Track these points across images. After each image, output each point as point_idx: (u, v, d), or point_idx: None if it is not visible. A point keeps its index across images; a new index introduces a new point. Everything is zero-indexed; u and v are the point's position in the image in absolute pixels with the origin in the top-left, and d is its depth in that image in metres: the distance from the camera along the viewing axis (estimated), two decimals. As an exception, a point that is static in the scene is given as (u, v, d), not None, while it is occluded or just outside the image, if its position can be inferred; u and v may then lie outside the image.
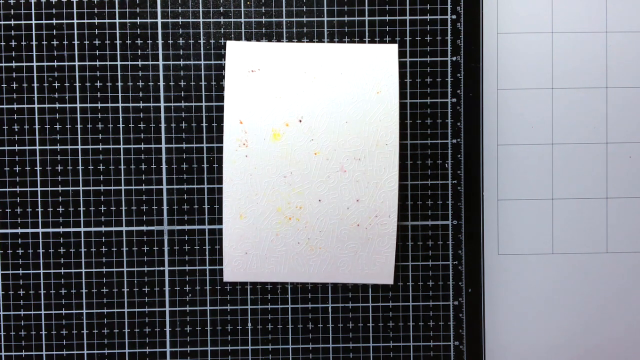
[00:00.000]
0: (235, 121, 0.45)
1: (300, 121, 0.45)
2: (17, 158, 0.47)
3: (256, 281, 0.47)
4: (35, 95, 0.47)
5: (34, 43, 0.46)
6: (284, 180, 0.45)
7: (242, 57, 0.45)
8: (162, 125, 0.47)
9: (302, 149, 0.45)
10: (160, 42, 0.47)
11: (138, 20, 0.46)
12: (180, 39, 0.47)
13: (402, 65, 0.47)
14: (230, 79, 0.45)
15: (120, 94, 0.47)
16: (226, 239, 0.46)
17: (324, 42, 0.47)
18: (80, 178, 0.47)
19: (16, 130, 0.47)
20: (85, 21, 0.46)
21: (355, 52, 0.46)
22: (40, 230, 0.47)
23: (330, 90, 0.45)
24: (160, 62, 0.47)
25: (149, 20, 0.46)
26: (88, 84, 0.47)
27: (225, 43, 0.46)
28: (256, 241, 0.46)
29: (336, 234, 0.46)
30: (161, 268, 0.47)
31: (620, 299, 0.49)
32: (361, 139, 0.45)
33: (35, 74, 0.46)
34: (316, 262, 0.46)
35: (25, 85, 0.46)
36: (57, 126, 0.47)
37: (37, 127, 0.47)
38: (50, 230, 0.47)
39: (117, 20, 0.46)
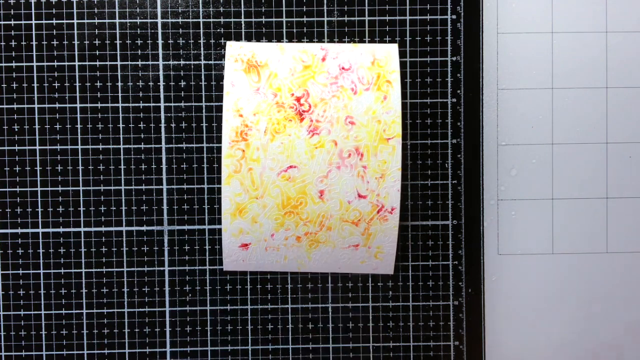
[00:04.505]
0: (235, 114, 0.43)
1: (301, 115, 0.43)
2: (17, 158, 0.45)
3: (256, 271, 0.46)
4: (35, 95, 0.45)
5: (34, 43, 0.45)
6: (284, 175, 0.43)
7: (242, 57, 0.44)
8: (162, 125, 0.45)
9: (303, 143, 0.43)
10: (160, 42, 0.45)
11: (138, 20, 0.45)
12: (180, 39, 0.45)
13: (402, 65, 0.45)
14: (229, 76, 0.44)
15: (120, 94, 0.45)
16: (225, 233, 0.44)
17: (324, 42, 0.45)
18: (80, 178, 0.46)
19: (16, 130, 0.45)
20: (85, 21, 0.45)
21: (356, 50, 0.44)
22: (40, 230, 0.46)
23: (331, 86, 0.43)
24: (160, 62, 0.45)
25: (149, 20, 0.45)
26: (88, 84, 0.45)
27: (225, 43, 0.45)
28: (256, 235, 0.44)
29: (337, 229, 0.44)
30: (161, 268, 0.46)
31: (620, 299, 0.47)
32: (363, 134, 0.43)
33: (35, 74, 0.45)
34: (316, 256, 0.45)
35: (25, 85, 0.45)
36: (57, 126, 0.45)
37: (37, 127, 0.45)
38: (50, 230, 0.46)
39: (117, 20, 0.45)
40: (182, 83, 0.45)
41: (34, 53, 0.45)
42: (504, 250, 0.47)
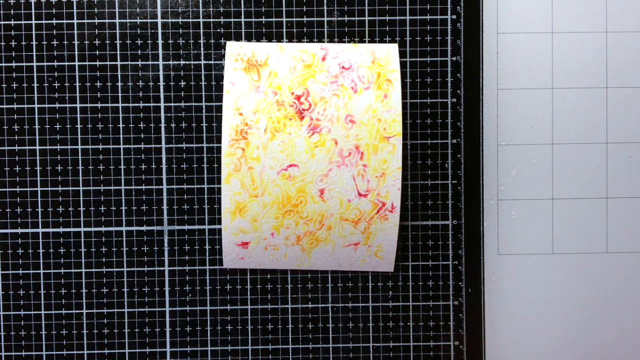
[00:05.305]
0: (235, 113, 0.43)
1: (301, 113, 0.43)
2: (17, 158, 0.45)
3: (256, 269, 0.46)
4: (35, 95, 0.45)
5: (34, 43, 0.44)
6: (284, 174, 0.43)
7: (242, 56, 0.43)
8: (162, 125, 0.45)
9: (303, 141, 0.43)
10: (160, 42, 0.45)
11: (138, 20, 0.45)
12: (180, 39, 0.45)
13: (402, 65, 0.45)
14: (229, 75, 0.43)
15: (120, 94, 0.45)
16: (225, 232, 0.44)
17: (324, 42, 0.45)
18: (80, 178, 0.45)
19: (16, 130, 0.45)
20: (85, 21, 0.44)
21: (356, 50, 0.44)
22: (40, 230, 0.45)
23: (331, 85, 0.43)
24: (160, 62, 0.45)
25: (149, 20, 0.45)
26: (88, 84, 0.45)
27: (225, 43, 0.45)
28: (256, 234, 0.44)
29: (337, 228, 0.44)
30: (161, 268, 0.46)
31: (620, 299, 0.47)
32: (363, 132, 0.43)
33: (35, 74, 0.44)
34: (316, 254, 0.44)
35: (25, 85, 0.44)
36: (57, 126, 0.45)
37: (37, 127, 0.45)
38: (50, 230, 0.45)
39: (117, 20, 0.44)
40: (182, 83, 0.45)
41: (34, 53, 0.44)
42: (504, 250, 0.47)
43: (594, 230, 0.47)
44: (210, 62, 0.45)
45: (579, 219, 0.47)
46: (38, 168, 0.45)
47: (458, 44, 0.45)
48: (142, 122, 0.45)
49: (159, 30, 0.45)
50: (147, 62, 0.45)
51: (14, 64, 0.44)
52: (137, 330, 0.46)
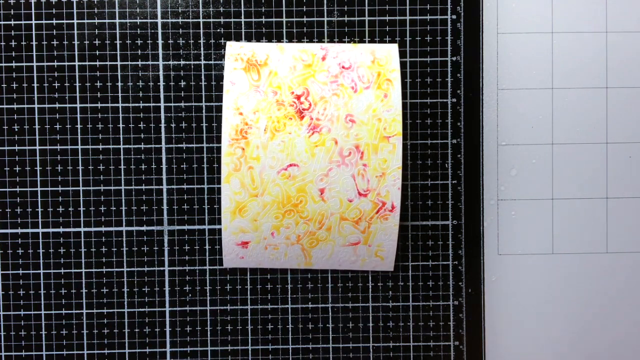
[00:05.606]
0: (235, 112, 0.42)
1: (301, 113, 0.42)
2: (17, 158, 0.45)
3: (256, 269, 0.46)
4: (35, 95, 0.44)
5: (34, 43, 0.44)
6: (284, 173, 0.43)
7: (241, 56, 0.43)
8: (162, 125, 0.45)
9: (303, 141, 0.43)
10: (160, 42, 0.45)
11: (138, 20, 0.44)
12: (180, 39, 0.45)
13: (402, 65, 0.45)
14: (229, 75, 0.43)
15: (120, 94, 0.45)
16: (225, 232, 0.44)
17: (324, 42, 0.45)
18: (80, 178, 0.45)
19: (16, 130, 0.45)
20: (85, 21, 0.44)
21: (356, 50, 0.43)
22: (40, 230, 0.45)
23: (331, 85, 0.43)
24: (160, 62, 0.45)
25: (149, 20, 0.44)
26: (88, 84, 0.44)
27: (225, 43, 0.44)
28: (256, 234, 0.44)
29: (337, 228, 0.44)
30: (161, 268, 0.45)
31: (620, 299, 0.47)
32: (363, 132, 0.43)
33: (35, 74, 0.44)
34: (316, 254, 0.44)
35: (25, 85, 0.44)
36: (57, 126, 0.45)
37: (37, 127, 0.45)
38: (50, 230, 0.45)
39: (117, 20, 0.44)
40: (182, 83, 0.45)
41: (34, 53, 0.44)
42: (504, 250, 0.46)
43: (594, 230, 0.46)
44: (210, 62, 0.45)
45: (579, 219, 0.46)
46: (38, 168, 0.45)
47: (458, 44, 0.45)
48: (142, 122, 0.45)
49: (159, 30, 0.45)
50: (147, 62, 0.45)
51: (14, 64, 0.44)
52: (137, 330, 0.46)
